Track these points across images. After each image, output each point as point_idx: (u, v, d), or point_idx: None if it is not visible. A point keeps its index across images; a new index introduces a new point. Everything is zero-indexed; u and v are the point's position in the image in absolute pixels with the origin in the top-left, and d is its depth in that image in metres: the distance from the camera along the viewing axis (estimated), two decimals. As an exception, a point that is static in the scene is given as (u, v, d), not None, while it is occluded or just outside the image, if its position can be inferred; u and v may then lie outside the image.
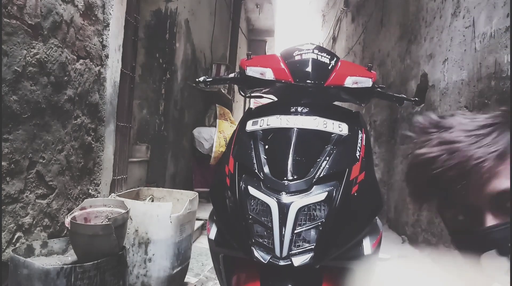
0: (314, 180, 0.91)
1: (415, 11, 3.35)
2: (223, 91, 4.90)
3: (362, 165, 0.97)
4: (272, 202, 0.88)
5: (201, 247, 2.89)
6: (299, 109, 1.09)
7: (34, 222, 1.63)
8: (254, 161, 0.97)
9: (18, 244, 1.52)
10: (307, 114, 1.07)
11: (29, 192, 1.58)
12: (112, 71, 2.28)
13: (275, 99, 1.26)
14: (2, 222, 1.44)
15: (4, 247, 1.47)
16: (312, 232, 0.87)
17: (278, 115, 1.07)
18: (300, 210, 0.87)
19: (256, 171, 0.95)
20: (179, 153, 4.03)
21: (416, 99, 1.34)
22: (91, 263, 1.37)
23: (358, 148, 1.01)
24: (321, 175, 0.92)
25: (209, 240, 1.05)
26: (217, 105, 4.61)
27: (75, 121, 1.90)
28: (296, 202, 0.87)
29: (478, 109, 2.13)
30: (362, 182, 0.95)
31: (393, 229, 3.59)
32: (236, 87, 1.31)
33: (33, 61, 1.55)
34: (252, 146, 1.01)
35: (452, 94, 2.50)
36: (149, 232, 1.87)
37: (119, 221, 1.49)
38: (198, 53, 4.40)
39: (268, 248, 0.86)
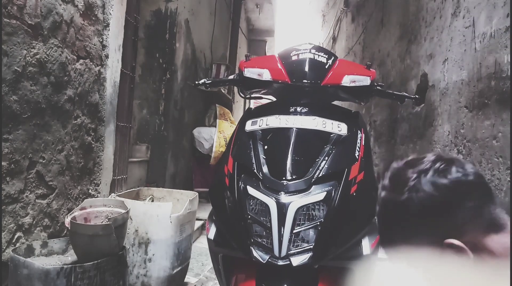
0: (313, 180, 0.91)
1: (415, 11, 3.34)
2: (223, 91, 4.90)
3: (361, 165, 0.97)
4: (271, 202, 0.88)
5: (201, 247, 2.89)
6: (298, 109, 1.09)
7: (34, 222, 1.63)
8: (253, 161, 0.97)
9: (18, 244, 1.52)
10: (306, 114, 1.07)
11: (29, 192, 1.59)
12: (112, 71, 2.28)
13: (274, 99, 1.26)
14: (2, 222, 1.44)
15: (4, 247, 1.47)
16: (311, 232, 0.87)
17: (277, 115, 1.07)
18: (299, 210, 0.87)
19: (255, 171, 0.95)
20: (179, 153, 4.03)
21: (417, 96, 1.33)
22: (91, 263, 1.37)
23: (357, 148, 1.00)
24: (320, 175, 0.92)
25: (208, 240, 1.05)
26: (217, 105, 4.60)
27: (75, 121, 1.90)
28: (295, 202, 0.87)
29: (478, 109, 2.13)
30: (361, 182, 0.95)
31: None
32: (236, 88, 1.31)
33: (33, 61, 1.55)
34: (251, 146, 1.01)
35: (452, 94, 2.50)
36: (149, 232, 1.87)
37: (119, 221, 1.50)
38: (198, 53, 4.40)
39: (267, 248, 0.86)
